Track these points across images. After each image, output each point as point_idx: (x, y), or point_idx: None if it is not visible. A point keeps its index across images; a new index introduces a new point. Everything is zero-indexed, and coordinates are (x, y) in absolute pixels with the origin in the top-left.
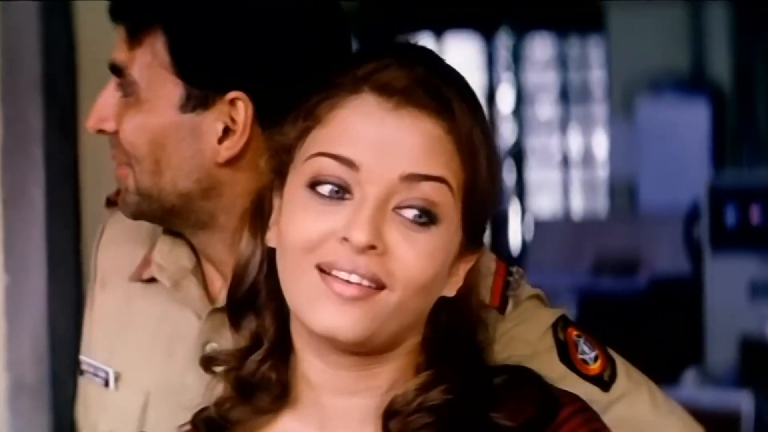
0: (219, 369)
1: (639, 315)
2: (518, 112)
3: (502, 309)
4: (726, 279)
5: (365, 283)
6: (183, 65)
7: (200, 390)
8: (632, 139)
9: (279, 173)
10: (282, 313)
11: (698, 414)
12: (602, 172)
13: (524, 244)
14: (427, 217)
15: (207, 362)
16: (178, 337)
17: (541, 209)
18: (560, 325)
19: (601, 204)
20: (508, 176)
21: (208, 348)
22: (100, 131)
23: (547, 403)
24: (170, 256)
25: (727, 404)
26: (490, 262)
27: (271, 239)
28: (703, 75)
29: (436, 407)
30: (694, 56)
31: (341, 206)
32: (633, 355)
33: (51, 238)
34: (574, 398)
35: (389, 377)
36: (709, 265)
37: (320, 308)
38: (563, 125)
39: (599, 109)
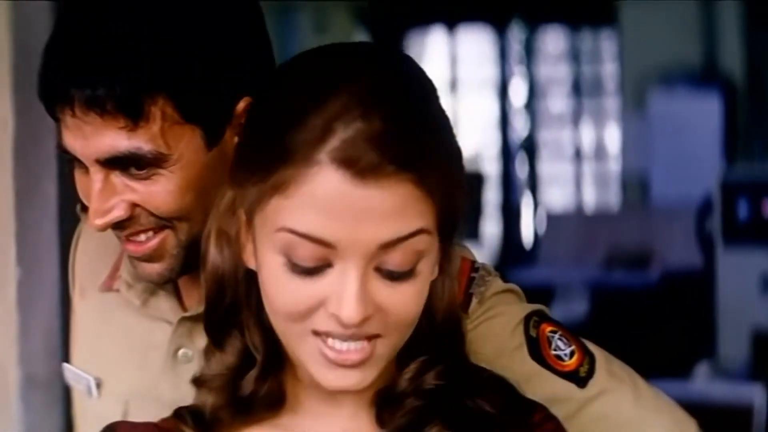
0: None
1: (651, 308)
2: (530, 105)
3: (464, 307)
4: (738, 272)
5: (359, 346)
6: (193, 113)
7: (175, 397)
8: (644, 133)
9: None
10: (268, 327)
11: (710, 408)
12: (614, 166)
13: (536, 238)
14: (411, 268)
15: (198, 384)
16: (152, 345)
17: (554, 203)
18: (533, 320)
19: (613, 197)
20: (521, 169)
21: (180, 354)
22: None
23: (523, 401)
24: (136, 273)
25: (739, 398)
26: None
27: (249, 260)
28: (715, 68)
29: (427, 391)
30: (706, 50)
31: (324, 275)
32: (645, 349)
33: (64, 231)
34: (542, 407)
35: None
36: (721, 259)
37: (325, 371)
38: (575, 119)
39: (611, 103)
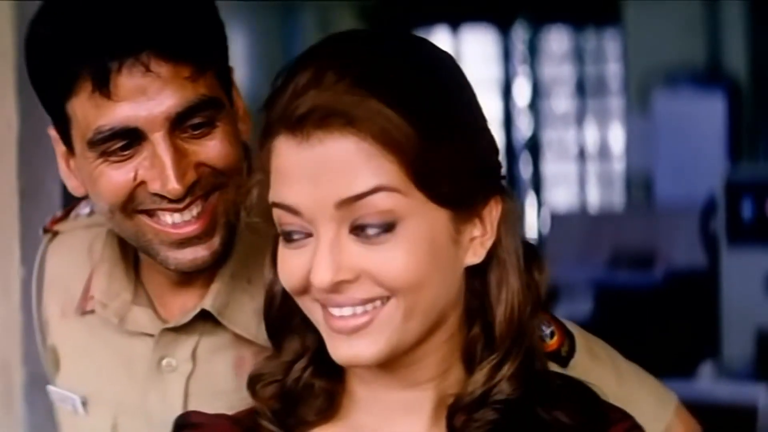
0: (263, 387)
1: (655, 308)
2: (534, 105)
3: None
4: (742, 272)
5: (359, 310)
6: (218, 61)
7: (162, 408)
8: (648, 133)
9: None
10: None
11: (714, 407)
12: (618, 166)
13: (540, 238)
14: (383, 227)
15: (254, 381)
16: (135, 359)
17: (558, 202)
18: None
19: (618, 197)
20: (525, 169)
21: (164, 363)
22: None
23: (603, 409)
24: (109, 292)
25: (744, 398)
26: None
27: None
28: (719, 68)
29: (501, 402)
30: (711, 49)
31: (307, 244)
32: (649, 348)
33: None
34: (625, 416)
35: (436, 367)
36: (725, 259)
37: (333, 342)
38: (579, 118)
39: (615, 103)
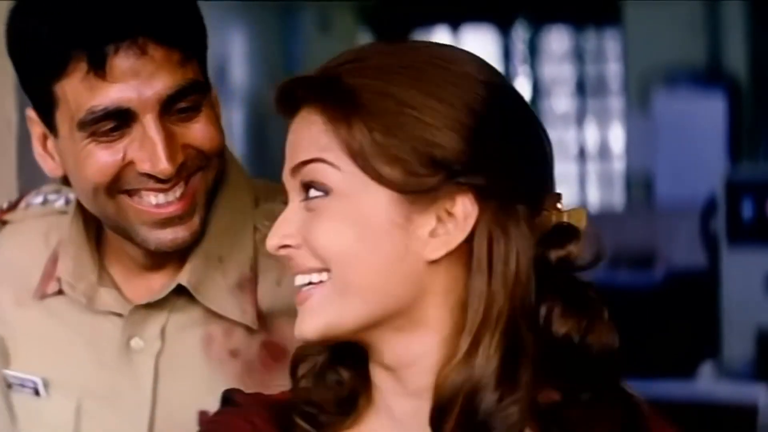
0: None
1: (655, 308)
2: (535, 105)
3: None
4: (742, 272)
5: (305, 280)
6: (201, 48)
7: (131, 388)
8: (649, 133)
9: None
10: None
11: (714, 407)
12: (619, 165)
13: None
14: (311, 191)
15: (297, 361)
16: (102, 339)
17: None
18: None
19: (618, 197)
20: None
21: (132, 343)
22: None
23: None
24: (75, 273)
25: (744, 398)
26: None
27: None
28: (719, 68)
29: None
30: (711, 49)
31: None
32: (649, 348)
33: None
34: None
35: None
36: (725, 259)
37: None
38: (580, 118)
39: (616, 102)
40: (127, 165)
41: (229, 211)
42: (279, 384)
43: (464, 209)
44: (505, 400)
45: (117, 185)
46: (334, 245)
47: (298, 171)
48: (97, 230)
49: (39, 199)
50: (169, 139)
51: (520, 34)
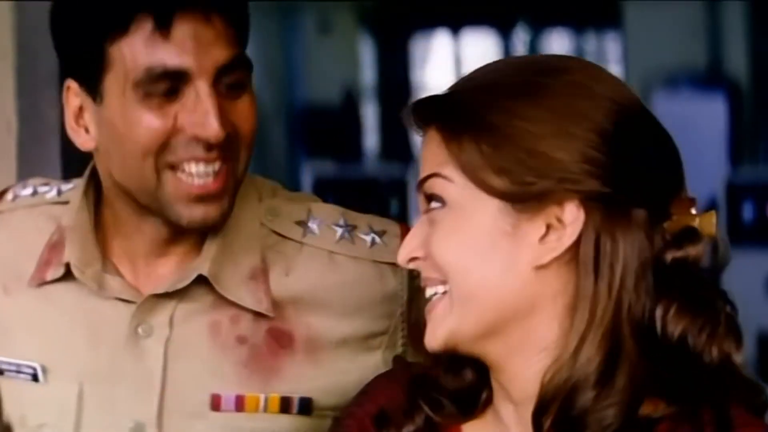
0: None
1: None
2: None
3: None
4: (743, 274)
5: (432, 292)
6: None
7: (135, 374)
8: None
9: None
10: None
11: None
12: None
13: None
14: (432, 203)
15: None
16: (103, 324)
17: None
18: None
19: None
20: None
21: (140, 330)
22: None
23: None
24: (83, 259)
25: None
26: (391, 226)
27: None
28: (720, 70)
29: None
30: (711, 52)
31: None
32: None
33: None
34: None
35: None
36: None
37: None
38: None
39: None
40: (176, 132)
41: (239, 205)
42: (284, 370)
43: (571, 214)
44: (602, 400)
45: (164, 155)
46: (449, 256)
47: (422, 185)
48: (96, 220)
49: (28, 191)
50: (220, 108)
51: (520, 37)
